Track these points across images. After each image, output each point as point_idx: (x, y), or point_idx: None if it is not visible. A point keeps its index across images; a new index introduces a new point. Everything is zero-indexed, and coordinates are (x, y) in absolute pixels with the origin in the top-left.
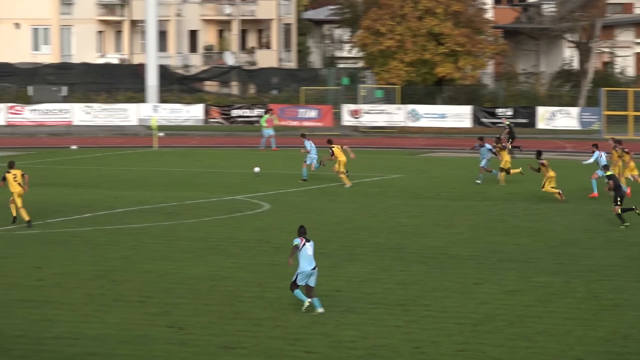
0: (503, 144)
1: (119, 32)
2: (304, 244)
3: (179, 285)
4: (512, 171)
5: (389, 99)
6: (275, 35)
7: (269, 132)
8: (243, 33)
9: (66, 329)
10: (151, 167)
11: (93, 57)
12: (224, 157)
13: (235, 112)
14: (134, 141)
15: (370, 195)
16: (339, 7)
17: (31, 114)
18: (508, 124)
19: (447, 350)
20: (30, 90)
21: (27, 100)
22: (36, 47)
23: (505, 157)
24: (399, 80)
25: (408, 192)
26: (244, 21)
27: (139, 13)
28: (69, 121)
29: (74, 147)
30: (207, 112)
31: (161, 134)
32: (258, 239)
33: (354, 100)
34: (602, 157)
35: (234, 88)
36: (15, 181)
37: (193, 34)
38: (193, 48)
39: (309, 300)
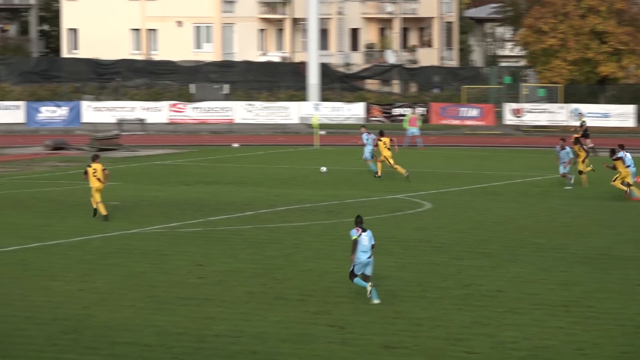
0: (586, 146)
1: (280, 30)
2: (360, 235)
3: (339, 284)
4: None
5: (551, 98)
6: (436, 33)
7: (412, 131)
8: (404, 31)
9: (227, 326)
10: (312, 166)
11: (254, 55)
12: None
13: (396, 111)
14: (295, 139)
15: (532, 195)
16: (501, 6)
17: (193, 112)
18: (582, 122)
19: (610, 352)
20: (192, 88)
21: (189, 98)
22: (198, 45)
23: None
24: (562, 79)
25: (571, 192)
26: (405, 19)
27: (300, 11)
28: (231, 119)
29: (235, 145)
30: (368, 111)
31: (322, 132)
32: (419, 238)
33: (515, 99)
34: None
35: (395, 86)
36: (95, 176)
37: (354, 32)
38: (354, 46)
39: (370, 284)
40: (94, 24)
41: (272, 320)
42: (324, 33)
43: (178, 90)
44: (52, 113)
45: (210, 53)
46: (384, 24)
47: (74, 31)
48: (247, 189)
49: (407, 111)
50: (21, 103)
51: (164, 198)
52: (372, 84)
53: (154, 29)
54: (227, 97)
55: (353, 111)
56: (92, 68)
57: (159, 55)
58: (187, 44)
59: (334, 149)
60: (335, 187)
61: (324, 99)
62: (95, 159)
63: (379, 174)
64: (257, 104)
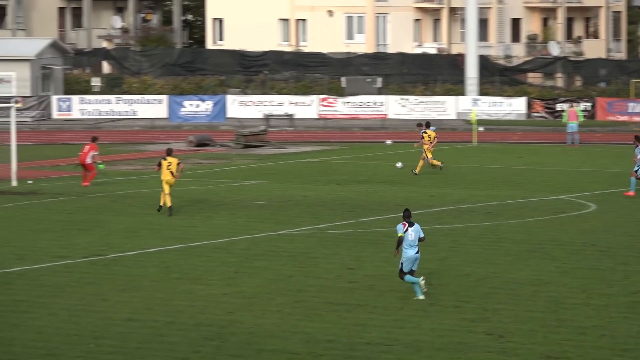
0: None
1: (436, 21)
2: (407, 229)
3: (498, 290)
4: None
5: None
6: (603, 24)
7: (572, 126)
8: (569, 22)
9: (379, 334)
10: (470, 164)
11: (409, 47)
12: (547, 154)
13: (559, 106)
14: (452, 136)
15: None
16: None
17: (344, 107)
18: None
19: None
20: (343, 81)
21: (340, 92)
22: (350, 36)
23: None
24: None
25: None
26: (569, 9)
27: (458, 0)
28: (384, 114)
29: (388, 142)
30: (529, 106)
31: (481, 129)
32: (584, 241)
33: None
34: None
35: (559, 80)
36: (168, 169)
37: (515, 22)
38: (515, 37)
39: (422, 278)
40: (241, 13)
41: (426, 327)
42: (483, 23)
43: (328, 84)
44: (195, 107)
45: (362, 44)
46: (547, 13)
47: (219, 21)
48: (401, 188)
49: (567, 106)
50: (164, 97)
51: (312, 198)
52: (533, 78)
53: (303, 19)
54: (379, 91)
55: (514, 106)
56: (237, 60)
57: (308, 46)
58: (338, 35)
59: (493, 147)
60: (494, 187)
61: (483, 93)
62: (170, 152)
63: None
64: (412, 98)
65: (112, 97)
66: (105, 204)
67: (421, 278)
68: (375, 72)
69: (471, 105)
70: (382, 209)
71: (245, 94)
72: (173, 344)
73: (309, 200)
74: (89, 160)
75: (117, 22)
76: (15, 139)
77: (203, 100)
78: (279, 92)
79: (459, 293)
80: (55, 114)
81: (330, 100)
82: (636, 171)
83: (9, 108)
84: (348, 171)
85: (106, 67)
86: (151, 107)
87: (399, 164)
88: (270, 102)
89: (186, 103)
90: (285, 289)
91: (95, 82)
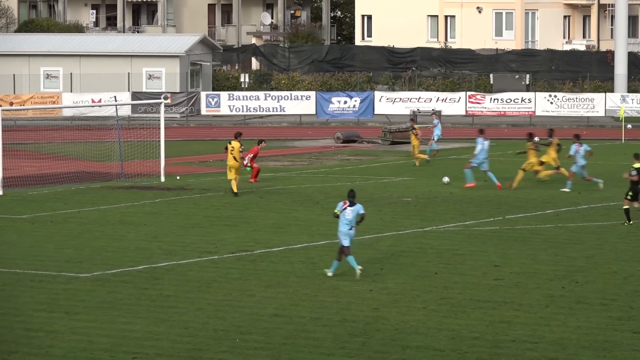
0: None
1: (586, 17)
2: (345, 208)
3: None
4: None
5: None
6: None
7: None
8: None
9: (525, 331)
10: (618, 162)
11: (558, 44)
12: None
13: None
14: (600, 133)
15: None
16: None
17: (491, 104)
18: None
19: None
20: (491, 78)
21: (487, 89)
22: (498, 33)
23: None
24: None
25: None
26: None
27: None
28: (531, 111)
29: (536, 139)
30: None
31: (629, 126)
32: None
33: None
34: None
35: None
36: (232, 154)
37: None
38: None
39: (360, 268)
40: (389, 10)
41: (572, 325)
42: (632, 20)
43: (476, 81)
44: (343, 104)
45: (510, 41)
46: None
47: (367, 17)
48: (548, 186)
49: None
50: (311, 93)
51: (459, 195)
52: None
53: (452, 16)
54: (527, 88)
55: None
56: (385, 57)
57: (456, 43)
58: (486, 31)
59: None
60: None
61: (631, 90)
62: (237, 136)
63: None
64: (560, 95)
65: (261, 94)
66: (253, 200)
67: (359, 268)
68: (523, 69)
69: (620, 102)
70: (529, 206)
71: (393, 90)
72: (318, 339)
73: (456, 197)
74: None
75: (266, 18)
76: (164, 135)
77: (351, 97)
78: (427, 89)
79: (606, 291)
80: (204, 110)
81: (478, 97)
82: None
83: (158, 104)
84: (495, 168)
85: (255, 64)
86: (299, 103)
87: (445, 179)
88: (417, 98)
89: (334, 99)
90: (430, 285)
91: (244, 78)
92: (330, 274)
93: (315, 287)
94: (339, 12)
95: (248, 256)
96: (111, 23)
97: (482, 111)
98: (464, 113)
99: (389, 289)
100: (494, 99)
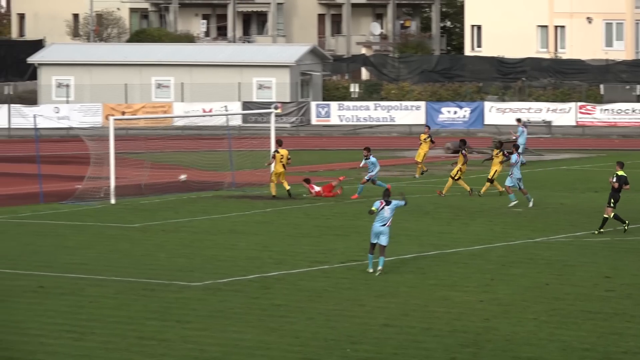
0: None
1: None
2: (383, 207)
3: None
4: None
5: None
6: None
7: None
8: None
9: (636, 343)
10: None
11: None
12: None
13: None
14: None
15: None
16: None
17: (602, 114)
18: None
19: None
20: (601, 88)
21: (598, 99)
22: (609, 43)
23: None
24: None
25: None
26: None
27: None
28: None
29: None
30: None
31: None
32: None
33: None
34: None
35: None
36: (281, 162)
37: None
38: None
39: (379, 268)
40: (499, 20)
41: None
42: None
43: (586, 91)
44: (453, 114)
45: (621, 51)
46: None
47: (477, 28)
48: None
49: None
50: (421, 103)
51: (570, 205)
52: None
53: (562, 26)
54: (638, 99)
55: None
56: (495, 67)
57: (566, 53)
58: (596, 42)
59: None
60: None
61: None
62: (280, 144)
63: None
64: None
65: (370, 104)
66: (363, 209)
67: (378, 268)
68: (634, 80)
69: None
70: None
71: (503, 100)
72: (429, 350)
73: (566, 208)
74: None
75: (376, 28)
76: (275, 144)
77: (461, 107)
78: (536, 99)
79: None
80: (314, 120)
81: (589, 107)
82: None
83: (268, 114)
84: (606, 179)
85: (365, 74)
86: (409, 113)
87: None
88: (528, 109)
89: (444, 109)
90: (541, 296)
91: (354, 88)
92: (370, 270)
93: (425, 298)
94: (449, 22)
95: (358, 266)
96: (222, 33)
97: (592, 122)
98: (574, 124)
99: (499, 300)
100: (605, 110)
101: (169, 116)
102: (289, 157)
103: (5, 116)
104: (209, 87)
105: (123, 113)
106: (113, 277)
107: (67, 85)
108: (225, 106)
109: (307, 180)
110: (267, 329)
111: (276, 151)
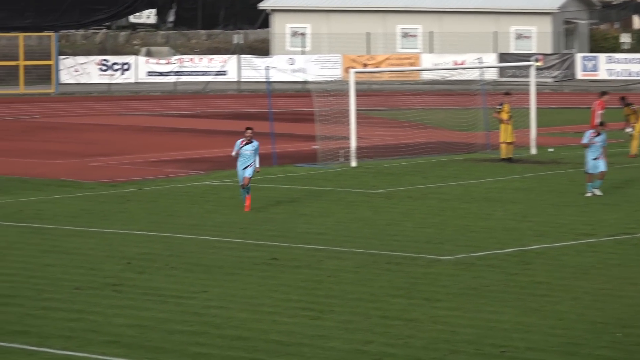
0: None
1: None
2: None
3: None
4: None
5: None
6: None
7: None
8: None
9: None
10: None
11: None
12: None
13: None
14: None
15: None
16: None
17: None
18: None
19: None
20: None
21: None
22: None
23: None
24: None
25: None
26: None
27: None
28: None
29: None
30: None
31: None
32: None
33: None
34: None
35: None
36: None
37: None
38: None
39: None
40: None
41: None
42: None
43: None
44: None
45: None
46: None
47: None
48: None
49: None
50: None
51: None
52: None
53: None
54: None
55: None
56: None
57: None
58: None
59: None
60: None
61: None
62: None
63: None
64: None
65: None
66: (635, 175)
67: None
68: None
69: None
70: None
71: None
72: None
73: None
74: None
75: None
76: (535, 102)
77: None
78: None
79: None
80: (579, 74)
81: None
82: None
83: (527, 67)
84: None
85: (637, 22)
86: None
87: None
88: None
89: None
90: None
91: (625, 38)
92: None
93: None
94: None
95: (629, 240)
96: None
97: None
98: None
99: None
100: None
101: (416, 69)
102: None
103: (234, 68)
104: (461, 36)
105: (365, 65)
106: (354, 248)
107: (303, 34)
108: (479, 58)
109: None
110: (526, 309)
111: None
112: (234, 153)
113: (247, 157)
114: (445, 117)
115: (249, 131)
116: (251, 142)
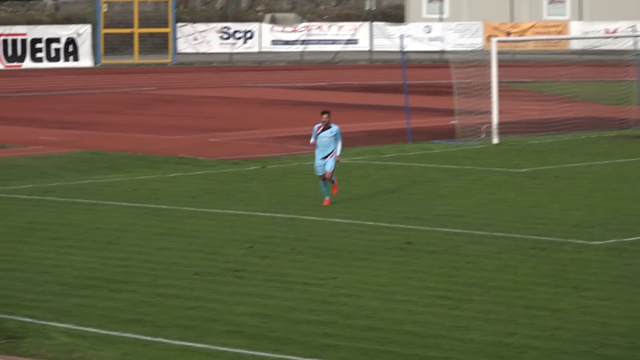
0: None
1: None
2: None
3: None
4: None
5: None
6: None
7: None
8: None
9: None
10: None
11: None
12: None
13: None
14: None
15: None
16: None
17: None
18: None
19: None
20: None
21: None
22: None
23: None
24: None
25: None
26: None
27: None
28: None
29: None
30: None
31: None
32: None
33: None
34: None
35: None
36: None
37: None
38: None
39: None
40: None
41: None
42: None
43: None
44: None
45: None
46: None
47: None
48: None
49: None
50: None
51: None
52: None
53: None
54: None
55: None
56: None
57: None
58: None
59: None
60: None
61: None
62: None
63: None
64: None
65: None
66: None
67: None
68: None
69: None
70: None
71: None
72: None
73: None
74: None
75: None
76: None
77: None
78: None
79: None
80: None
81: None
82: None
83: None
84: None
85: None
86: None
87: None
88: None
89: None
90: None
91: None
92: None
93: None
94: None
95: None
96: None
97: None
98: None
99: None
100: None
101: (563, 37)
102: None
103: (366, 36)
104: (614, 2)
105: (508, 34)
106: (495, 232)
107: (441, 0)
108: (633, 26)
109: None
110: None
111: None
112: (311, 141)
113: (326, 145)
114: (595, 89)
115: (325, 115)
116: (329, 127)
